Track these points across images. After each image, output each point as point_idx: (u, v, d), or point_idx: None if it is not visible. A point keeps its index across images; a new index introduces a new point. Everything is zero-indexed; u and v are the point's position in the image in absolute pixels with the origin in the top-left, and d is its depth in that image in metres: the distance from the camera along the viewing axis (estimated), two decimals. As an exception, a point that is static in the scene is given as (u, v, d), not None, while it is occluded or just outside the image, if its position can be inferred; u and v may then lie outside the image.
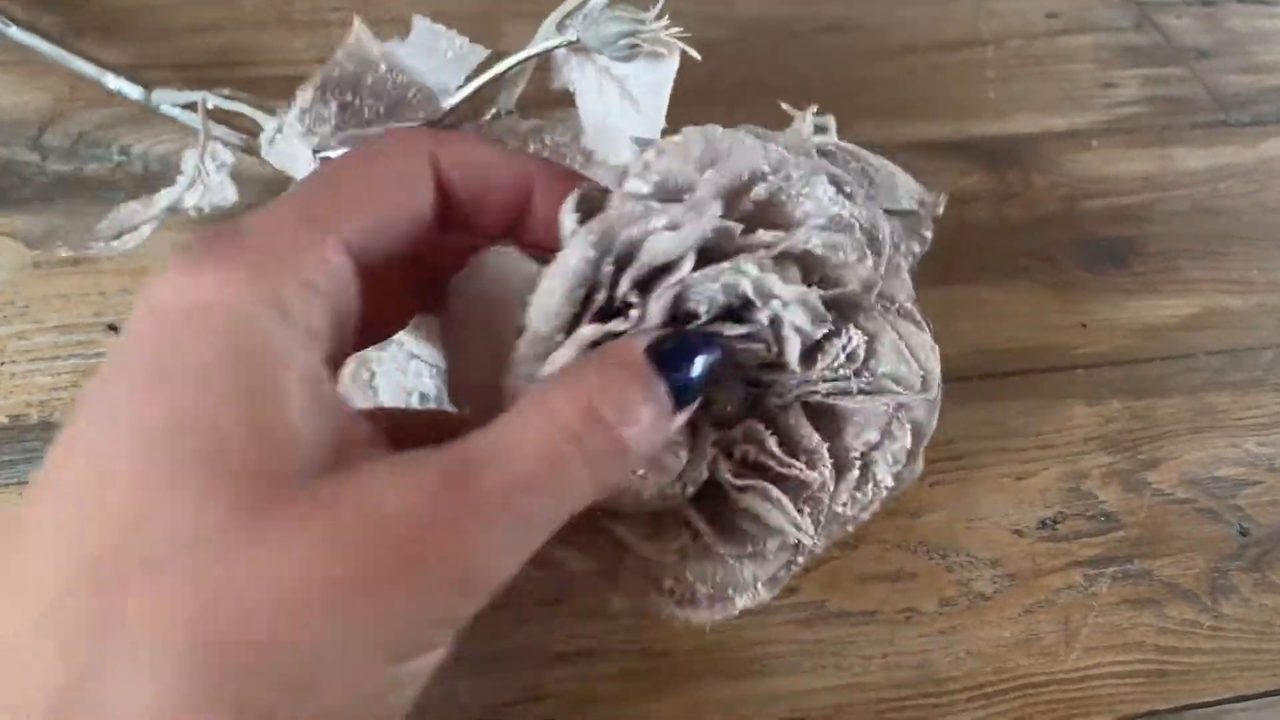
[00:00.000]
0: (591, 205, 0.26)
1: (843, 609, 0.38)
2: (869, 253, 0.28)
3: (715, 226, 0.26)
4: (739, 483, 0.29)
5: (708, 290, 0.26)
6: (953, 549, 0.40)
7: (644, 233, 0.25)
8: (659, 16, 0.36)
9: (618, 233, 0.25)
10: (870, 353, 0.30)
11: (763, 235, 0.27)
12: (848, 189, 0.28)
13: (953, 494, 0.42)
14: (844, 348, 0.29)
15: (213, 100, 0.40)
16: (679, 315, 0.27)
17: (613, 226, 0.25)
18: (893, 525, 0.41)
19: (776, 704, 0.36)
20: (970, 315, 0.48)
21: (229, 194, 0.40)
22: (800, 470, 0.29)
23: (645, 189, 0.26)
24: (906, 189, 0.35)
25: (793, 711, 0.36)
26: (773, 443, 0.29)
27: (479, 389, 0.26)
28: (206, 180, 0.40)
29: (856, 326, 0.29)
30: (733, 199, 0.27)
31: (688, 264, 0.26)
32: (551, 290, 0.24)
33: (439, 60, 0.40)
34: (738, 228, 0.26)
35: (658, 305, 0.25)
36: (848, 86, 0.58)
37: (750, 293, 0.27)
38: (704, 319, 0.27)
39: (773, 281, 0.26)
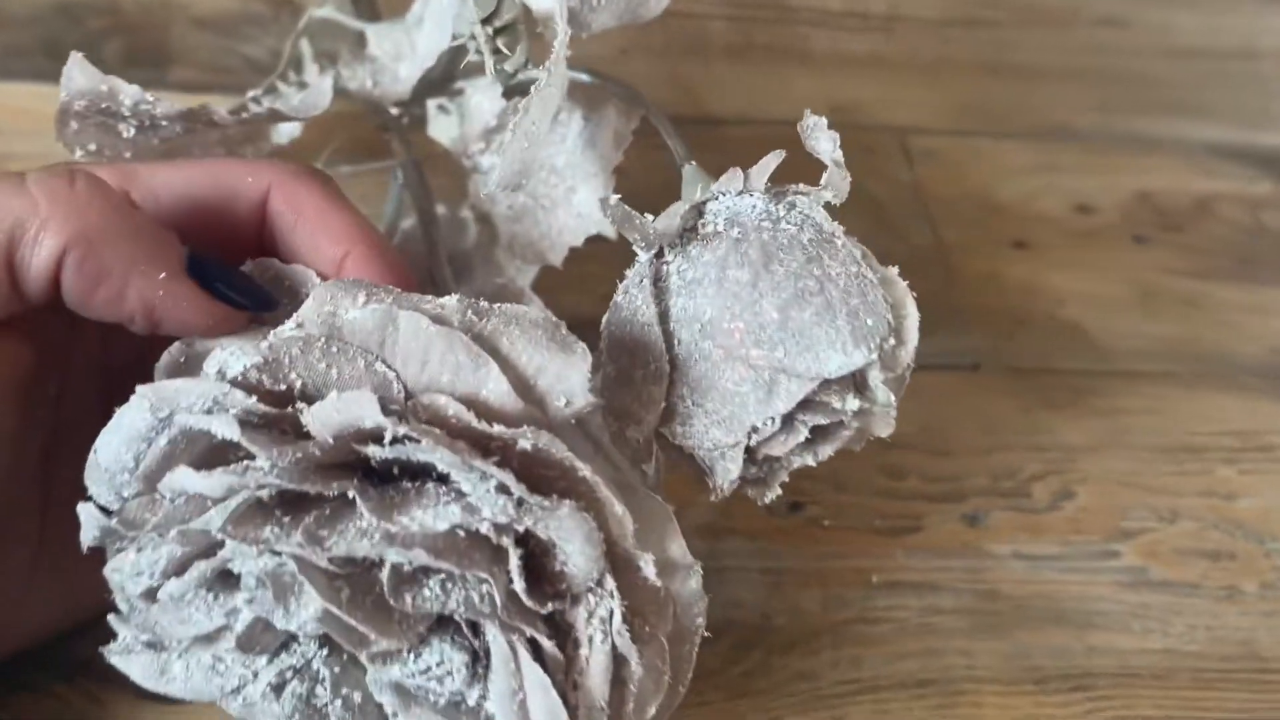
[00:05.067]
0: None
1: (1165, 578, 0.41)
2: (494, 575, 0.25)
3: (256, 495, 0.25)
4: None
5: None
6: (1269, 536, 0.43)
7: (193, 431, 0.25)
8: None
9: (175, 412, 0.25)
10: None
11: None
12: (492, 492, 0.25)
13: (1267, 483, 0.45)
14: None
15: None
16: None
17: (173, 400, 0.25)
18: (1207, 505, 0.44)
19: (1105, 657, 0.39)
20: (1271, 315, 0.51)
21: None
22: None
23: (237, 367, 0.26)
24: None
25: (1123, 667, 0.39)
26: None
27: None
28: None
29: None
30: (343, 445, 0.25)
31: (216, 519, 0.25)
32: (112, 434, 0.26)
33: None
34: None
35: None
36: (1126, 80, 0.61)
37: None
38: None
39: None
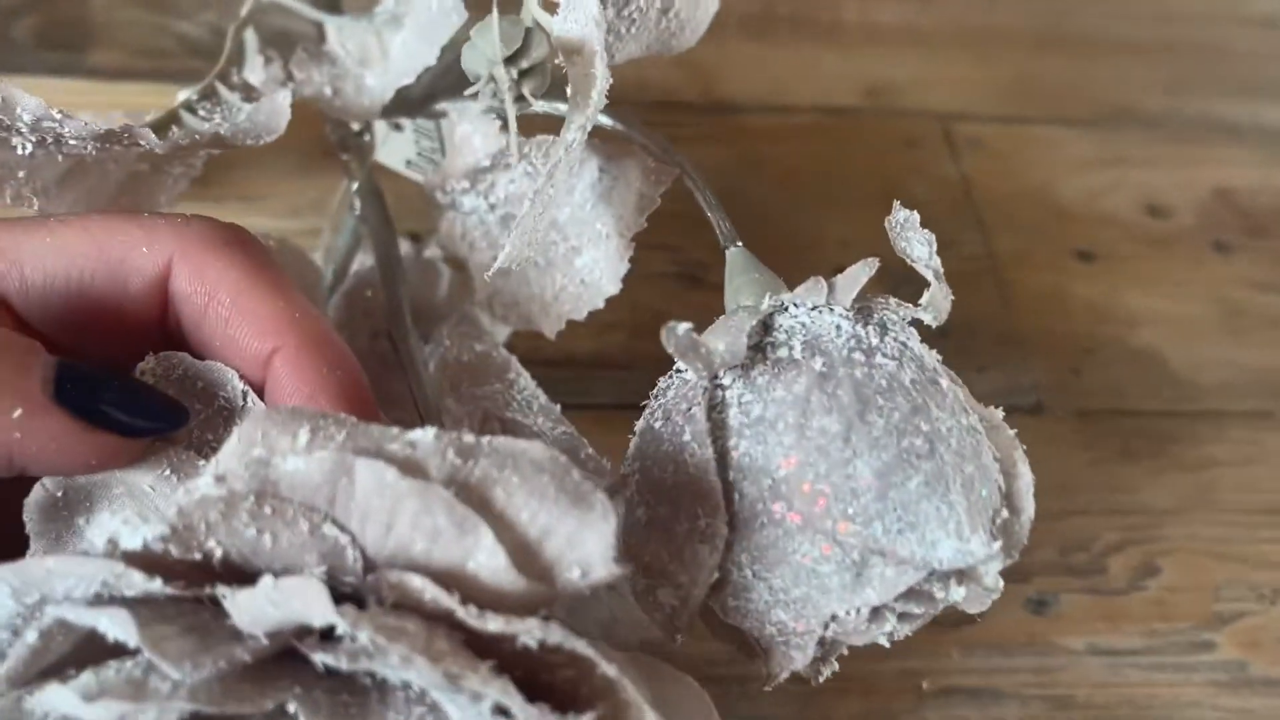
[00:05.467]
0: None
1: (1269, 675, 0.35)
2: None
3: None
4: None
5: None
6: (1388, 618, 0.37)
7: (73, 626, 0.19)
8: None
9: (49, 599, 0.20)
10: None
11: None
12: None
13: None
14: None
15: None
16: None
17: (45, 584, 0.19)
18: (1314, 582, 0.37)
19: (1202, 780, 0.33)
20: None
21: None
22: None
23: (133, 541, 0.19)
24: None
25: (1223, 792, 0.33)
26: None
27: None
28: None
29: None
30: (281, 639, 0.20)
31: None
32: None
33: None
34: None
35: None
36: (1199, 55, 0.54)
37: None
38: None
39: None
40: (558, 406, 0.30)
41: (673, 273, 0.42)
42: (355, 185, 0.32)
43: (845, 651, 0.25)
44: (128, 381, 0.23)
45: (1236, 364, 0.43)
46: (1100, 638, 0.35)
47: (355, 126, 0.33)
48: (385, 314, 0.31)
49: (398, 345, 0.29)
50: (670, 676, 0.22)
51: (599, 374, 0.39)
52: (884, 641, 0.24)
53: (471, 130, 0.29)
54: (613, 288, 0.29)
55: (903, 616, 0.23)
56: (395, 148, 0.34)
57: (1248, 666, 0.35)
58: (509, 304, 0.31)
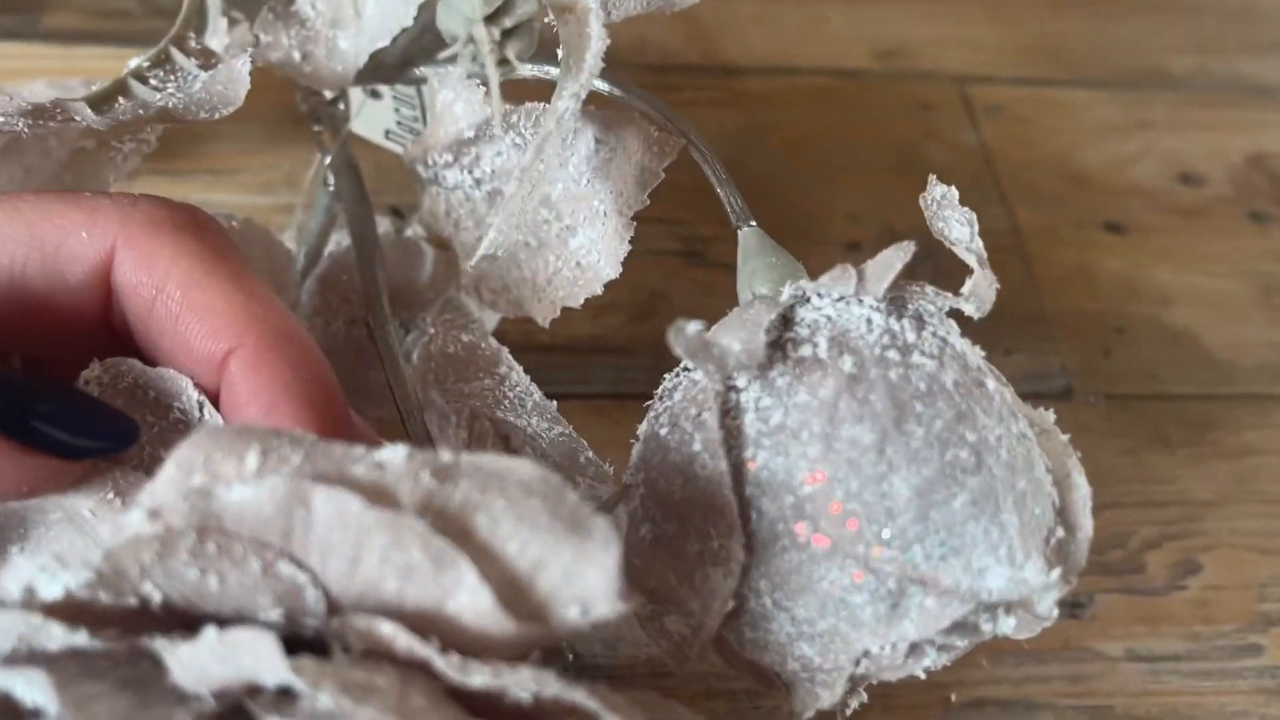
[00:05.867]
0: None
1: (1319, 680, 0.33)
2: None
3: None
4: None
5: None
6: None
7: None
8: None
9: None
10: None
11: None
12: None
13: None
14: None
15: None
16: None
17: None
18: (1366, 576, 0.35)
19: (1250, 796, 0.31)
20: None
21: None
22: None
23: (53, 589, 0.16)
24: None
25: (1273, 810, 0.30)
26: None
27: None
28: None
29: None
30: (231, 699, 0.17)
31: None
32: None
33: None
34: None
35: None
36: (1230, 11, 0.51)
37: None
38: None
39: None
40: (553, 404, 0.27)
41: (673, 249, 0.39)
42: (328, 159, 0.29)
43: (875, 682, 0.22)
44: (68, 392, 0.21)
45: (1276, 343, 0.41)
46: (1139, 642, 0.33)
47: (328, 95, 0.30)
48: (362, 299, 0.28)
49: (374, 334, 0.26)
50: (682, 717, 0.20)
51: (596, 360, 0.36)
52: (920, 673, 0.22)
53: (453, 97, 0.26)
54: (612, 271, 0.26)
55: (943, 649, 0.21)
56: (373, 117, 0.32)
57: (1297, 672, 0.33)
58: (498, 289, 0.28)
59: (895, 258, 0.21)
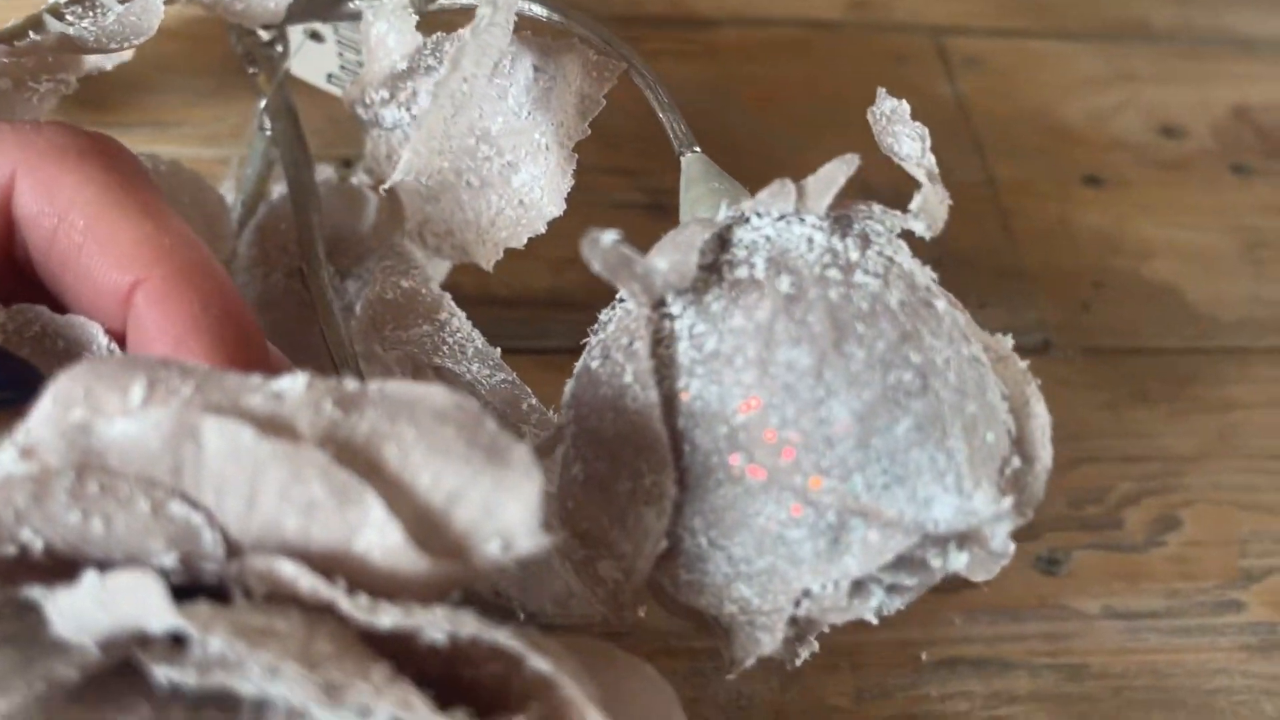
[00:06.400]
0: None
1: (1302, 637, 0.32)
2: None
3: None
4: None
5: None
6: None
7: None
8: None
9: None
10: None
11: None
12: None
13: None
14: None
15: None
16: None
17: None
18: (1351, 532, 0.34)
19: (1232, 757, 0.29)
20: None
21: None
22: None
23: None
24: None
25: (1255, 770, 0.29)
26: None
27: None
28: None
29: None
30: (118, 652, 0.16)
31: None
32: None
33: None
34: None
35: None
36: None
37: None
38: None
39: None
40: (496, 350, 0.26)
41: (637, 202, 0.38)
42: (264, 103, 0.28)
43: (826, 629, 0.21)
44: None
45: (1259, 298, 0.40)
46: (1117, 599, 0.32)
47: (265, 36, 0.29)
48: (298, 250, 0.27)
49: (308, 280, 0.25)
50: (625, 665, 0.19)
51: (555, 315, 0.35)
52: (871, 618, 0.20)
53: (387, 29, 0.25)
54: (555, 209, 0.25)
55: (892, 589, 0.20)
56: (314, 61, 0.30)
57: (1279, 628, 0.32)
58: (441, 233, 0.27)
59: (838, 172, 0.20)
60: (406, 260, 0.28)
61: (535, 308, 0.35)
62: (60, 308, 0.21)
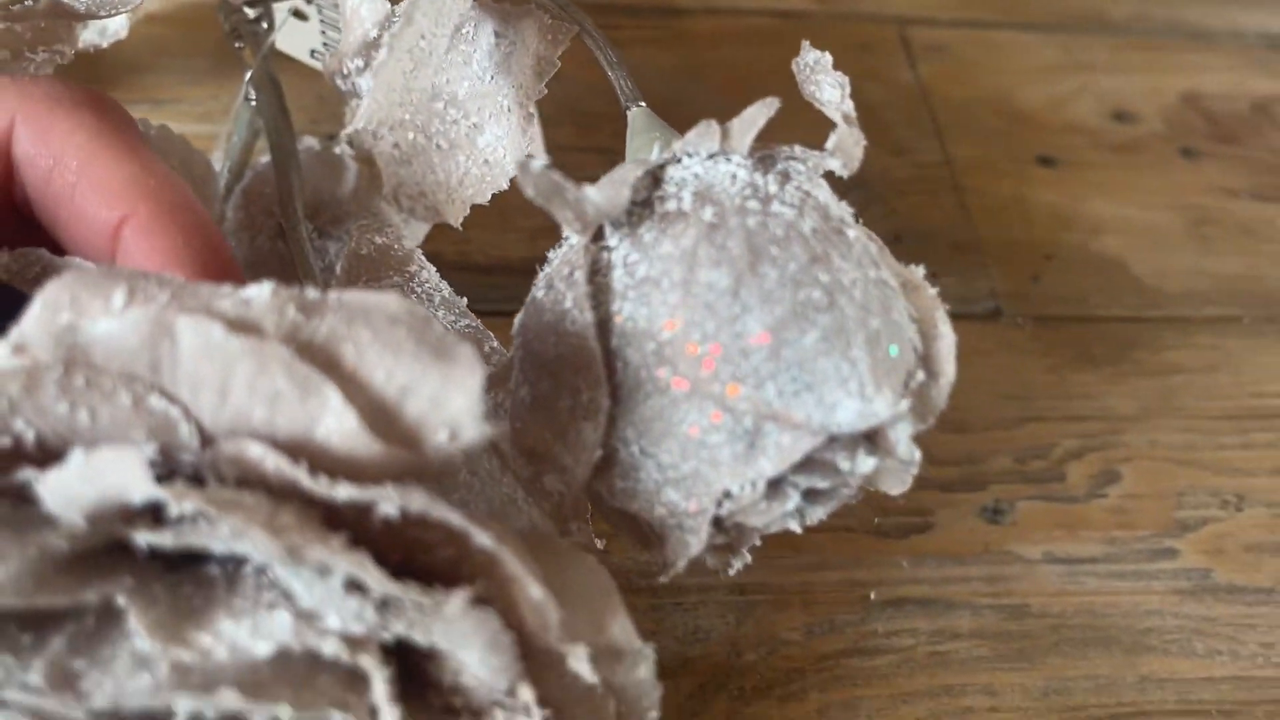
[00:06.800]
0: None
1: (1234, 583, 0.34)
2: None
3: None
4: None
5: None
6: (1360, 524, 0.35)
7: None
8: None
9: None
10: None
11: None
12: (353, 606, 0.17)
13: (1355, 458, 0.37)
14: None
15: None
16: None
17: None
18: (1281, 487, 0.36)
19: (1162, 689, 0.31)
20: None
21: None
22: None
23: None
24: None
25: (1184, 702, 0.31)
26: None
27: None
28: None
29: None
30: (104, 525, 0.18)
31: None
32: None
33: None
34: None
35: None
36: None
37: None
38: None
39: None
40: (463, 300, 0.28)
41: (608, 179, 0.40)
42: (249, 75, 0.30)
43: (758, 542, 0.23)
44: None
45: (1203, 271, 0.41)
46: (1057, 546, 0.34)
47: (251, 14, 0.31)
48: (278, 211, 0.29)
49: (286, 234, 0.27)
50: (566, 552, 0.20)
51: (530, 281, 0.37)
52: (795, 526, 0.22)
53: (360, 0, 0.27)
54: (516, 163, 0.27)
55: (811, 496, 0.21)
56: (299, 37, 0.32)
57: (1211, 574, 0.34)
58: (415, 195, 0.29)
59: (758, 114, 0.22)
60: (382, 220, 0.30)
61: (511, 274, 0.37)
62: (58, 250, 0.23)
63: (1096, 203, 0.43)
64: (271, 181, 0.30)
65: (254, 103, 0.30)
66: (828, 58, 0.22)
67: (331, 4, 0.33)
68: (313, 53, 0.32)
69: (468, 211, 0.29)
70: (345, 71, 0.29)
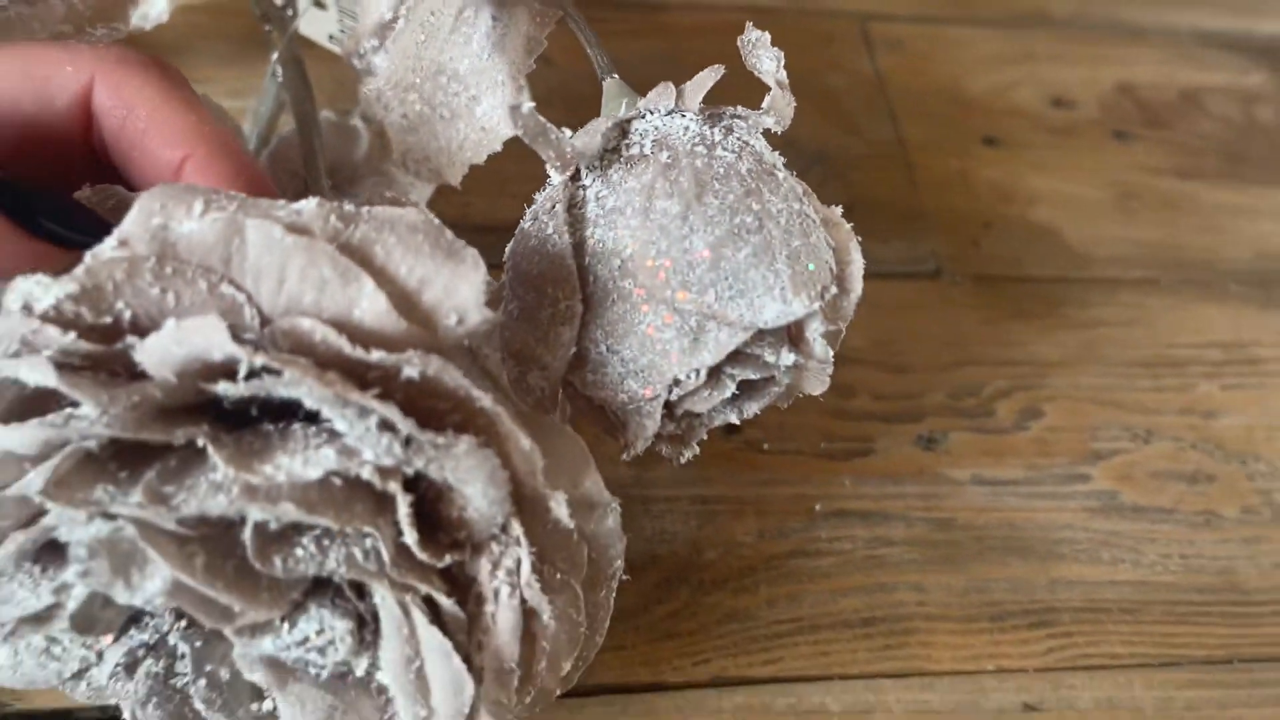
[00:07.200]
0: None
1: (1138, 503, 0.38)
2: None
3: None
4: None
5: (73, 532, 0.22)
6: (1252, 456, 0.40)
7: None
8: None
9: None
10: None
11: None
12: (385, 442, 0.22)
13: (1251, 399, 0.42)
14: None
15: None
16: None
17: None
18: (1185, 423, 0.41)
19: (1070, 590, 0.36)
20: (1261, 217, 0.47)
21: None
22: None
23: (47, 299, 0.21)
24: None
25: (1089, 601, 0.36)
26: None
27: None
28: None
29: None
30: (188, 384, 0.22)
31: (35, 482, 0.21)
32: None
33: None
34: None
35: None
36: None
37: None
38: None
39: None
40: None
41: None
42: (276, 54, 0.35)
43: (704, 437, 0.28)
44: (64, 199, 0.26)
45: (1128, 239, 0.46)
46: (984, 470, 0.38)
47: (278, 1, 0.36)
48: (302, 173, 0.33)
49: (310, 191, 0.32)
50: (548, 424, 0.25)
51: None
52: (734, 418, 0.27)
53: (377, -14, 0.31)
54: (509, 130, 0.32)
55: (746, 388, 0.26)
56: (318, 24, 0.37)
57: (1118, 496, 0.38)
58: (420, 159, 0.34)
59: (707, 78, 0.26)
60: (391, 180, 0.34)
61: (506, 235, 0.41)
62: (130, 187, 0.27)
63: (1034, 178, 0.48)
64: (295, 147, 0.35)
65: (280, 78, 0.35)
66: (766, 35, 0.27)
67: (348, -5, 0.38)
68: (330, 37, 0.37)
69: (466, 171, 0.33)
70: (361, 51, 0.34)
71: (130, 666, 0.24)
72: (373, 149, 0.36)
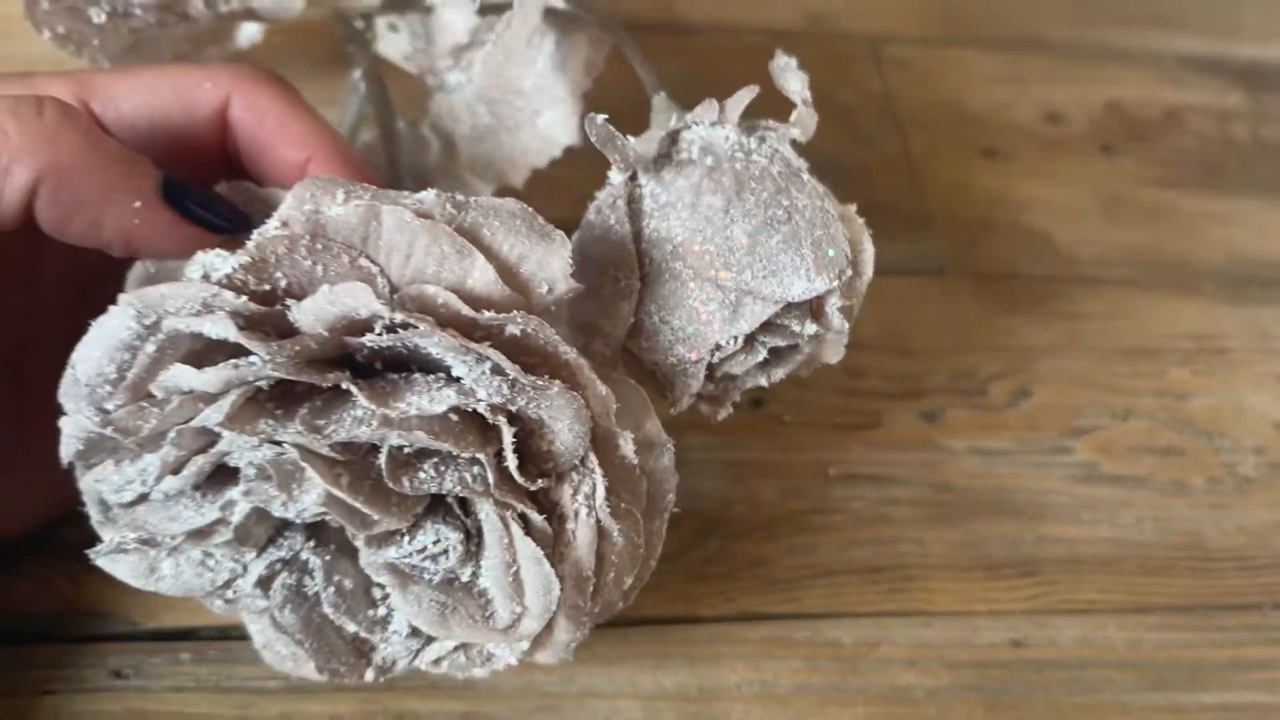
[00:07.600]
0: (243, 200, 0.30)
1: (1116, 473, 0.43)
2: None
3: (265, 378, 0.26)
4: None
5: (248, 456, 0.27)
6: (1218, 433, 0.45)
7: (182, 335, 0.26)
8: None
9: (162, 317, 0.26)
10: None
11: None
12: (497, 383, 0.27)
13: (1218, 384, 0.47)
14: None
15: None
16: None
17: (159, 306, 0.26)
18: (1160, 404, 0.46)
19: (1054, 546, 0.41)
20: (1233, 224, 0.53)
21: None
22: None
23: (224, 269, 0.26)
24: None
25: (1070, 555, 0.41)
26: None
27: None
28: None
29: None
30: (334, 340, 0.27)
31: (214, 415, 0.26)
32: (91, 346, 0.26)
33: None
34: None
35: (181, 464, 0.27)
36: (1103, -10, 0.62)
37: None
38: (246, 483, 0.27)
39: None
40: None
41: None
42: (359, 72, 0.40)
43: (738, 399, 0.33)
44: (210, 191, 0.31)
45: (1113, 242, 0.51)
46: (978, 442, 0.43)
47: (358, 24, 0.41)
48: (386, 176, 0.39)
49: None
50: (615, 378, 0.30)
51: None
52: (764, 381, 0.32)
53: (452, 15, 0.37)
54: (568, 139, 0.37)
55: (774, 355, 0.31)
56: (393, 45, 0.43)
57: (1099, 466, 0.43)
58: (486, 165, 0.39)
59: (745, 96, 0.32)
60: (460, 182, 0.40)
61: (559, 228, 0.47)
62: (259, 185, 0.33)
63: (1028, 187, 0.53)
64: (376, 153, 0.41)
65: (362, 93, 0.41)
66: (794, 61, 0.32)
67: (418, 21, 0.43)
68: (405, 56, 0.42)
69: (529, 174, 0.39)
70: (436, 70, 0.39)
71: (267, 580, 0.29)
72: (441, 156, 0.41)
